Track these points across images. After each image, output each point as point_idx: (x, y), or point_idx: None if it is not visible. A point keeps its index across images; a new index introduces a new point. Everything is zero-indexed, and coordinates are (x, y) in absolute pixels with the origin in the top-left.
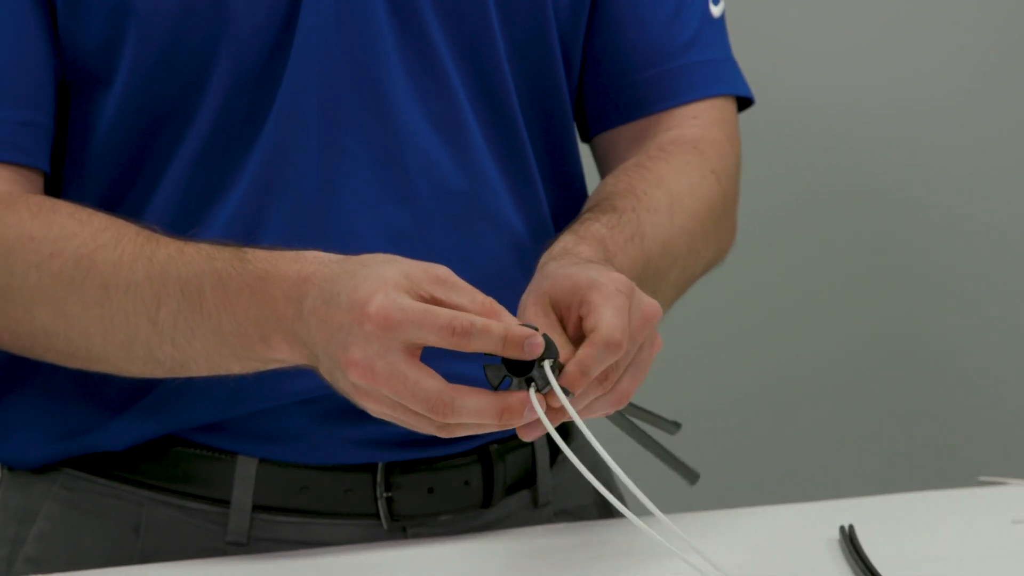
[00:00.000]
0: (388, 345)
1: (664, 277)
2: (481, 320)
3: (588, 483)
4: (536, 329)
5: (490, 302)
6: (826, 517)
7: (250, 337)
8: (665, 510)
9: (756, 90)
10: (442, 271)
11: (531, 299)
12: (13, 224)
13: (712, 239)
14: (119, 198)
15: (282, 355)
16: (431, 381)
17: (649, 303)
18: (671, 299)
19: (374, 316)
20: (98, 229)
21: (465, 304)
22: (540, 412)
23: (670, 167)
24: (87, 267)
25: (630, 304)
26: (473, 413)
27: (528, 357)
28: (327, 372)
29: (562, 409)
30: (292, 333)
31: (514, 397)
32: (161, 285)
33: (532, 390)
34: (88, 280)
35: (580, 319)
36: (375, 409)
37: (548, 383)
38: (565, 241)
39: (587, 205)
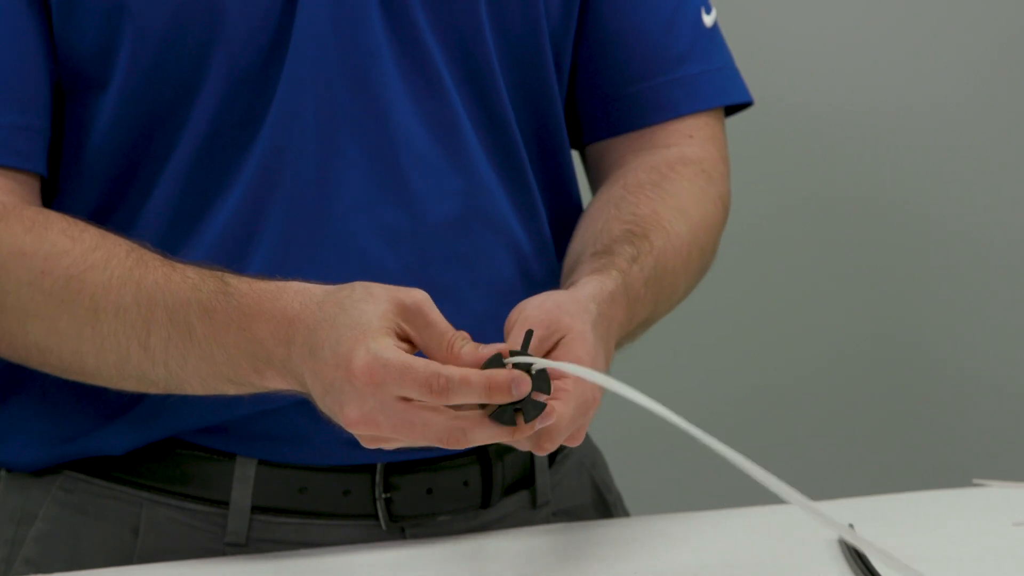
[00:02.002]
0: (383, 398)
1: (651, 320)
2: (459, 374)
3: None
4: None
5: (451, 342)
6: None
7: (243, 369)
8: (665, 509)
9: (752, 90)
10: (413, 299)
11: (548, 320)
12: (5, 239)
13: (703, 273)
14: (116, 201)
15: (277, 386)
16: (439, 419)
17: (580, 436)
18: (643, 332)
19: (359, 374)
20: (89, 248)
21: (429, 344)
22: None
23: (688, 193)
24: (77, 288)
25: (581, 422)
26: (486, 439)
27: (518, 397)
28: (327, 414)
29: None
30: (286, 370)
31: (526, 429)
32: (149, 311)
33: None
34: (78, 301)
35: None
36: (387, 447)
37: (545, 385)
38: (616, 284)
39: (615, 225)
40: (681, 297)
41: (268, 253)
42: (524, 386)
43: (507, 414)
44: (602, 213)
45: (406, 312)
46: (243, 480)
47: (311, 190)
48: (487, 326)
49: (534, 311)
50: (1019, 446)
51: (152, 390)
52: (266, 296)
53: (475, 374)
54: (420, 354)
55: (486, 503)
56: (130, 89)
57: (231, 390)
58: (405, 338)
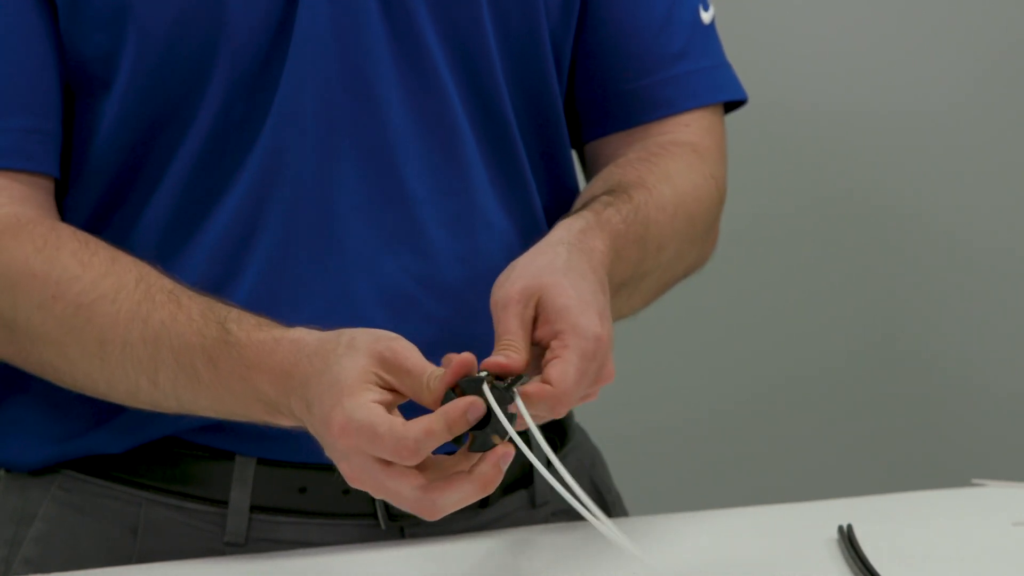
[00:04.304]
0: (363, 460)
1: (647, 278)
2: (422, 430)
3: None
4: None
5: (429, 380)
6: (825, 517)
7: (254, 410)
8: (664, 509)
9: (751, 91)
10: (391, 350)
11: (518, 290)
12: (18, 257)
13: (698, 244)
14: (119, 199)
15: (288, 425)
16: (409, 490)
17: (609, 371)
18: (647, 302)
19: (338, 436)
20: (99, 275)
21: (418, 393)
22: (530, 422)
23: (676, 164)
24: (86, 317)
25: (596, 365)
26: (457, 503)
27: (475, 422)
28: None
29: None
30: (293, 417)
31: (487, 466)
32: (155, 351)
33: (519, 403)
34: (87, 331)
35: (547, 339)
36: None
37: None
38: (587, 222)
39: (598, 189)
40: (672, 259)
41: (268, 253)
42: (479, 409)
43: (484, 442)
44: (590, 189)
45: (386, 364)
46: (242, 480)
47: (311, 190)
48: (486, 324)
49: (498, 290)
50: (1018, 446)
51: (167, 412)
52: (264, 349)
53: (435, 421)
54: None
55: (485, 502)
56: (134, 90)
57: (244, 420)
58: (389, 388)
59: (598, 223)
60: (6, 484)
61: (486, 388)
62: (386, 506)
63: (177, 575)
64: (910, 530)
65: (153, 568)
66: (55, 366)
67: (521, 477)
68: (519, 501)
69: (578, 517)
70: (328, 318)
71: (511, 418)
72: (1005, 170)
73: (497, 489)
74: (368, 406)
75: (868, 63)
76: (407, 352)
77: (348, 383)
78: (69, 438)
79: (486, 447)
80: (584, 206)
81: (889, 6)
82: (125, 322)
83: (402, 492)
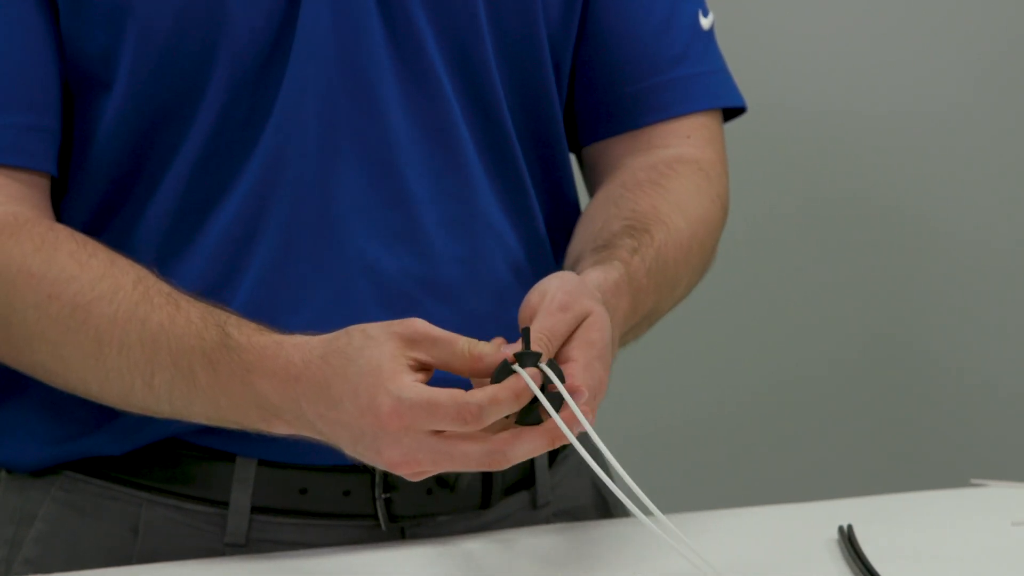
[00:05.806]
0: (418, 437)
1: (654, 315)
2: (486, 397)
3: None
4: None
5: (469, 349)
6: (825, 517)
7: (250, 417)
8: (665, 509)
9: (751, 92)
10: (413, 329)
11: (584, 306)
12: (16, 256)
13: (703, 270)
14: (120, 199)
15: (284, 433)
16: (476, 446)
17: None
18: (650, 327)
19: (388, 420)
20: (96, 276)
21: (448, 360)
22: (564, 392)
23: (686, 190)
24: (83, 318)
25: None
26: (527, 454)
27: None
28: (361, 459)
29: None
30: (300, 423)
31: (557, 423)
32: (153, 353)
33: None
34: (83, 331)
35: (559, 359)
36: (431, 474)
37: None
38: (619, 274)
39: (614, 220)
40: (683, 292)
41: (269, 253)
42: (538, 379)
43: (532, 415)
44: (601, 212)
45: (410, 342)
46: (243, 481)
47: (312, 190)
48: (487, 326)
49: (558, 292)
50: (1018, 446)
51: (157, 417)
52: (267, 353)
53: (501, 391)
54: (439, 375)
55: (486, 504)
56: (134, 90)
57: (236, 428)
58: (420, 367)
59: (627, 278)
60: (6, 484)
61: (530, 363)
62: (387, 507)
63: (178, 575)
64: (910, 530)
65: (153, 569)
66: (48, 367)
67: (523, 478)
68: (520, 502)
69: (578, 518)
70: (328, 318)
71: (558, 396)
72: (1005, 170)
73: (498, 490)
74: (414, 385)
75: (868, 63)
76: (426, 326)
77: (386, 368)
78: (69, 439)
79: (533, 422)
80: (608, 246)
81: (889, 6)
82: (123, 323)
83: (468, 452)
